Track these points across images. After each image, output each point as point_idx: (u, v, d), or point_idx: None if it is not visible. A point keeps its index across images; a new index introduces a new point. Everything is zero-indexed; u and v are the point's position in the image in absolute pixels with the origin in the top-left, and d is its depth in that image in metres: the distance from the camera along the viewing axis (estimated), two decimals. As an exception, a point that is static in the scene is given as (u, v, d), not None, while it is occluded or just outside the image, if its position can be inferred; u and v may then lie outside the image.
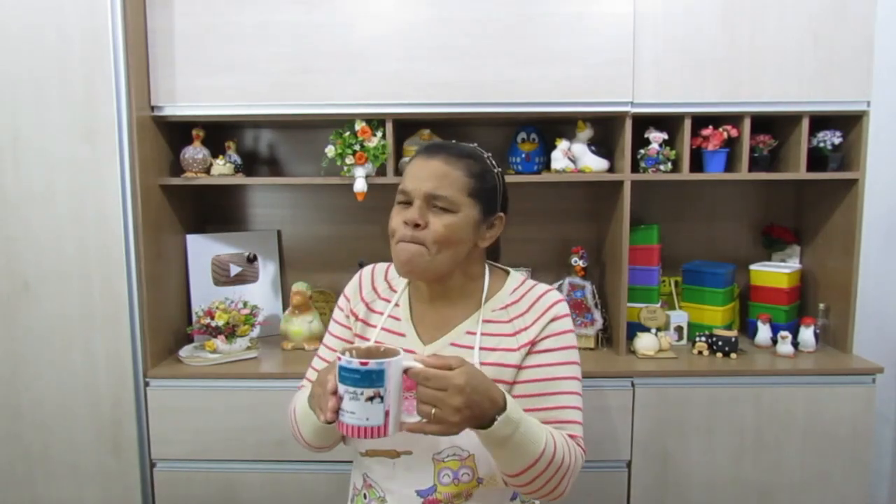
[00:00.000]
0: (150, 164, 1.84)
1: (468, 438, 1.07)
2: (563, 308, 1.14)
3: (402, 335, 1.16)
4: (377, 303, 1.22)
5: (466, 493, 1.11)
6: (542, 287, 1.17)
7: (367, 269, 1.27)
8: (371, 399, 0.85)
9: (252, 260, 2.22)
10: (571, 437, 1.06)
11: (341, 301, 1.26)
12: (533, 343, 1.11)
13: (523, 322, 1.12)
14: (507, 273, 1.22)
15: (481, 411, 0.90)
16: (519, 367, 1.10)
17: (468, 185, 1.08)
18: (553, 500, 1.05)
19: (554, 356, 1.11)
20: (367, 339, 1.18)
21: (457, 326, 1.14)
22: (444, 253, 1.07)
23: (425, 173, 1.07)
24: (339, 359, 0.87)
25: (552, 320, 1.12)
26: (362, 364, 0.85)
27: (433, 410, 0.87)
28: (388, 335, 1.17)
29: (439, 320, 1.16)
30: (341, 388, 0.87)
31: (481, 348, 1.11)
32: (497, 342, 1.12)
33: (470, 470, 1.10)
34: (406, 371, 0.89)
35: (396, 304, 1.20)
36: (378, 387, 0.85)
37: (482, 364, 1.09)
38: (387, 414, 0.87)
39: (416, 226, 1.06)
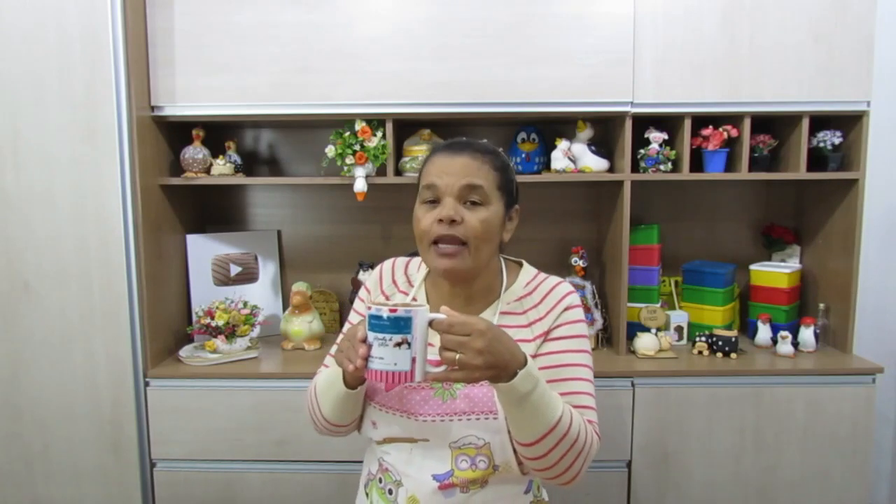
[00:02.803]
0: (150, 164, 1.84)
1: (484, 426, 1.09)
2: (576, 299, 1.17)
3: None
4: (396, 296, 1.23)
5: (482, 479, 1.12)
6: (554, 279, 1.20)
7: (387, 263, 1.28)
8: (399, 345, 0.91)
9: (248, 262, 2.21)
10: (588, 421, 1.08)
11: (362, 293, 1.28)
12: (547, 333, 1.13)
13: (537, 313, 1.15)
14: (520, 265, 1.24)
15: (503, 361, 0.93)
16: (533, 357, 1.12)
17: (496, 178, 1.10)
18: (566, 484, 1.06)
19: (567, 343, 1.13)
20: None
21: None
22: (482, 249, 1.09)
23: (456, 168, 1.08)
24: (370, 309, 0.93)
25: (565, 310, 1.15)
26: (391, 311, 0.91)
27: (457, 356, 0.90)
28: None
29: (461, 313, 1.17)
30: (370, 336, 0.92)
31: None
32: (512, 334, 1.12)
33: (486, 458, 1.11)
34: (431, 323, 0.93)
35: (414, 299, 1.21)
36: (405, 333, 0.91)
37: None
38: (413, 360, 0.91)
39: (452, 222, 1.06)
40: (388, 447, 1.16)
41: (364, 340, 0.93)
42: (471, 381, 0.94)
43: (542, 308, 1.15)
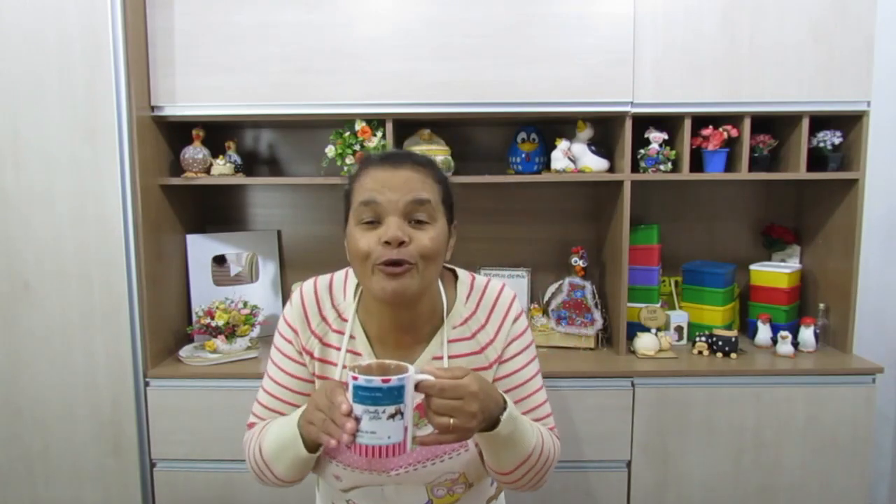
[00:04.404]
0: (150, 164, 1.84)
1: (457, 461, 1.05)
2: (518, 305, 1.12)
3: None
4: (330, 336, 1.08)
5: (459, 497, 1.11)
6: (493, 286, 1.11)
7: (308, 293, 1.10)
8: (392, 416, 0.82)
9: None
10: (550, 429, 1.10)
11: (286, 332, 1.10)
12: (501, 355, 1.08)
13: (486, 336, 1.08)
14: (455, 276, 1.13)
15: (490, 414, 0.91)
16: (493, 381, 1.08)
17: (440, 191, 1.00)
18: (532, 490, 1.07)
19: (521, 359, 1.09)
20: (331, 378, 1.06)
21: (422, 354, 1.06)
22: (430, 269, 0.98)
23: (398, 182, 0.96)
24: (356, 378, 0.82)
25: (513, 322, 1.10)
26: (384, 381, 0.81)
27: (451, 420, 0.85)
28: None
29: (401, 348, 1.07)
30: (359, 409, 0.82)
31: None
32: (467, 363, 1.06)
33: (463, 483, 1.09)
34: (417, 385, 0.85)
35: (352, 336, 1.08)
36: (399, 403, 0.82)
37: None
38: (405, 430, 0.84)
39: (401, 244, 0.94)
40: (356, 493, 1.09)
41: (349, 413, 0.82)
42: (462, 441, 0.90)
43: (491, 328, 1.08)
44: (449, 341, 1.06)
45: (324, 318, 1.09)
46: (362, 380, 0.82)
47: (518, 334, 1.10)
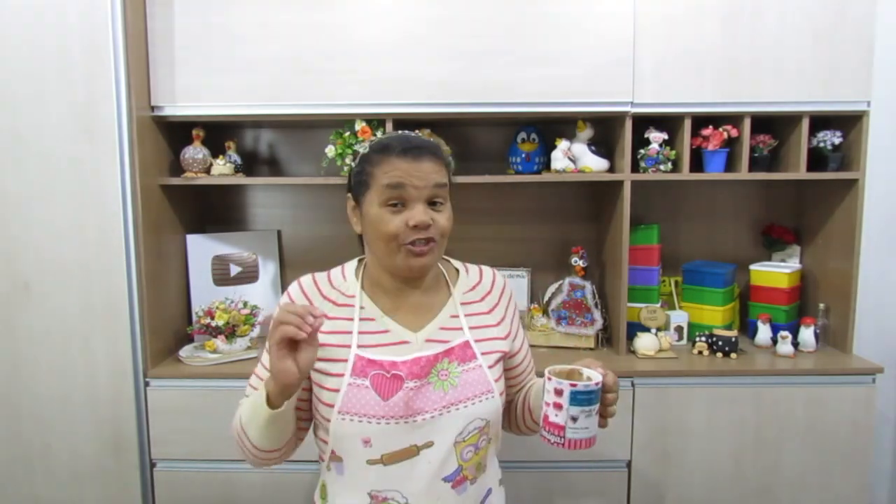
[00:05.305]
0: (150, 164, 1.84)
1: (485, 407, 1.13)
2: (508, 284, 1.31)
3: (386, 331, 1.14)
4: (335, 311, 1.16)
5: (482, 461, 1.16)
6: (487, 268, 1.29)
7: (307, 283, 1.18)
8: (596, 413, 1.03)
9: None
10: None
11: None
12: (503, 319, 1.24)
13: (493, 300, 1.24)
14: (447, 259, 1.27)
15: None
16: (506, 337, 1.23)
17: (447, 174, 1.14)
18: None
19: (520, 330, 1.29)
20: (347, 347, 1.12)
21: (440, 312, 1.18)
22: (444, 244, 1.14)
23: (423, 173, 1.09)
24: (574, 385, 0.99)
25: (509, 299, 1.28)
26: (596, 385, 1.01)
27: (614, 408, 1.05)
28: (370, 336, 1.13)
29: (416, 308, 1.18)
30: (575, 411, 1.00)
31: (470, 327, 1.18)
32: (479, 321, 1.20)
33: (486, 436, 1.15)
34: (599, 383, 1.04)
35: (362, 307, 1.16)
36: (598, 402, 1.02)
37: (476, 341, 1.17)
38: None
39: (427, 227, 1.09)
40: (385, 469, 1.09)
41: (559, 407, 1.01)
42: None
43: (495, 294, 1.25)
44: (462, 303, 1.21)
45: (325, 298, 1.17)
46: (580, 385, 1.00)
47: (515, 308, 1.29)
